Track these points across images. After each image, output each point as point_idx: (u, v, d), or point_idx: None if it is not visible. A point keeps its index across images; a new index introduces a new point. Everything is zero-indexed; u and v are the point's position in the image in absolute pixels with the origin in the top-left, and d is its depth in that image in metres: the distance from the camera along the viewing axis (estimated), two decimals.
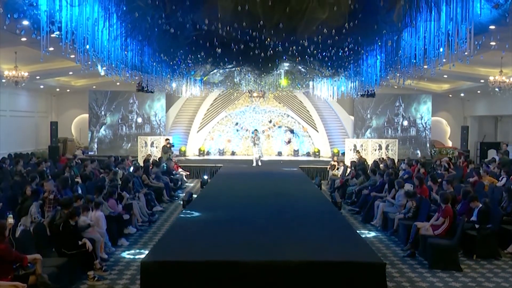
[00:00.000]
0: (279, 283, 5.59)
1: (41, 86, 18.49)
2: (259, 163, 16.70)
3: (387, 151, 17.84)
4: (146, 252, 7.04)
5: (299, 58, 9.92)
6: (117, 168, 12.10)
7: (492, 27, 7.65)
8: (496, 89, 13.42)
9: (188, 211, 9.10)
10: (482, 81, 14.70)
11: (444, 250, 6.92)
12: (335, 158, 16.60)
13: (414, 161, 14.45)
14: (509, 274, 6.70)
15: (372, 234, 8.96)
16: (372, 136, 20.59)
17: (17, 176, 10.78)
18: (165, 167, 14.22)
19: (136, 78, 12.19)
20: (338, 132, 21.49)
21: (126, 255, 7.41)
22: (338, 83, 13.49)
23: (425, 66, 8.16)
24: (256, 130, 17.60)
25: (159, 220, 9.98)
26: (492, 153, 18.12)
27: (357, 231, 8.21)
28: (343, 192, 12.65)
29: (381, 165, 13.75)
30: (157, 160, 14.80)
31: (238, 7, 6.44)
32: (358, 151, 17.17)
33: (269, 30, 7.76)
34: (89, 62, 7.64)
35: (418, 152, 20.53)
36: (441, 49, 6.72)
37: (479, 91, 18.13)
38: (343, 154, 19.20)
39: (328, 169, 16.04)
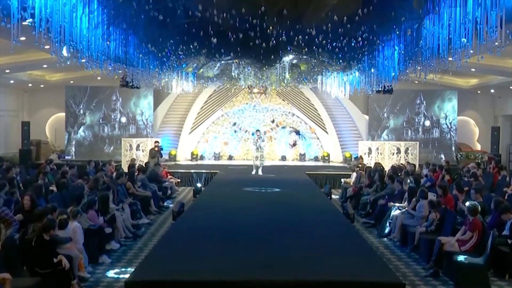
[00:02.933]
0: None
1: (11, 81, 18.51)
2: (260, 172, 16.49)
3: (407, 155, 17.84)
4: (131, 270, 7.03)
5: (306, 49, 9.94)
6: (99, 174, 12.12)
7: None
8: None
9: (179, 224, 9.09)
10: None
11: (472, 269, 6.91)
12: (360, 162, 16.10)
13: (438, 166, 14.44)
14: None
15: (390, 250, 8.95)
16: (390, 138, 20.59)
17: None
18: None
19: (120, 72, 12.22)
20: (351, 134, 21.52)
21: (108, 274, 7.40)
22: (350, 77, 13.50)
23: (450, 58, 8.17)
24: (258, 130, 17.42)
25: (146, 234, 9.98)
26: None
27: (372, 247, 8.20)
28: (356, 202, 12.65)
29: (399, 172, 13.74)
30: (144, 165, 14.79)
31: None
32: (361, 157, 17.05)
33: (271, 18, 7.78)
34: (66, 54, 7.66)
35: (442, 156, 20.54)
36: (464, 39, 6.72)
37: (511, 87, 18.13)
38: (356, 158, 19.20)
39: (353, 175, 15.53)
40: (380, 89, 14.24)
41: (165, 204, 13.26)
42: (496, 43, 6.24)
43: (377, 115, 21.24)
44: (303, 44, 9.18)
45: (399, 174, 12.89)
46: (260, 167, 16.45)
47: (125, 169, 15.09)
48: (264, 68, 12.83)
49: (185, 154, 21.48)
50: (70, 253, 6.76)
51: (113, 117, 21.06)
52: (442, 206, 8.83)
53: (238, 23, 7.83)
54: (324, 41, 8.93)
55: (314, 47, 9.60)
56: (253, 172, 16.42)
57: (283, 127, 21.84)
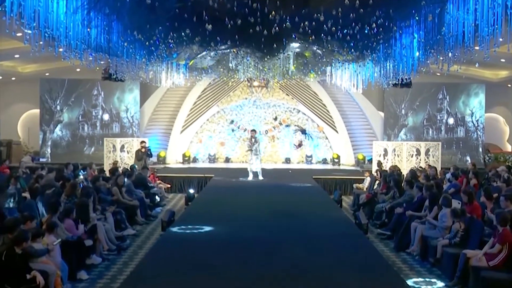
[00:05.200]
0: None
1: None
2: (260, 177, 16.51)
3: (428, 158, 17.83)
4: None
5: (313, 37, 9.94)
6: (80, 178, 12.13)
7: None
8: None
9: (169, 235, 9.09)
10: None
11: (502, 286, 6.91)
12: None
13: (461, 170, 14.44)
14: None
15: (408, 264, 8.95)
16: (408, 138, 20.60)
17: None
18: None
19: (102, 62, 12.21)
20: (364, 133, 21.53)
21: None
22: (363, 69, 13.49)
23: (476, 48, 8.17)
24: (253, 130, 17.39)
25: (132, 246, 9.98)
26: None
27: (389, 261, 8.19)
28: (370, 211, 12.65)
29: (419, 176, 13.74)
30: (129, 169, 14.78)
31: None
32: (379, 162, 16.46)
33: (274, 1, 7.78)
34: (41, 42, 7.66)
35: (468, 158, 20.55)
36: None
37: None
38: (370, 161, 19.18)
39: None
40: (397, 82, 14.24)
41: (153, 212, 13.26)
42: None
43: (393, 111, 21.25)
44: (309, 31, 9.19)
45: (419, 179, 12.89)
46: (258, 171, 16.43)
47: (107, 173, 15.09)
48: (266, 59, 12.84)
49: (176, 156, 21.47)
50: (46, 269, 6.75)
51: (94, 114, 21.06)
52: (468, 215, 8.82)
53: (236, 7, 7.84)
54: (334, 28, 8.94)
55: (322, 34, 9.60)
56: (249, 178, 16.41)
57: (287, 126, 21.84)
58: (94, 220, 9.30)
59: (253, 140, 16.53)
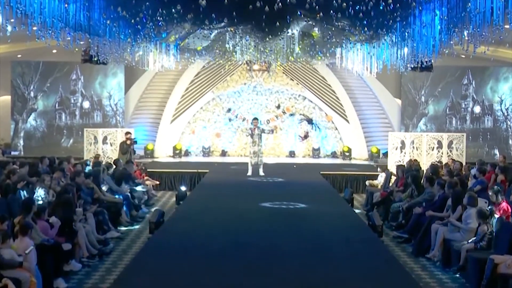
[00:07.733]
0: None
1: None
2: (261, 172, 16.53)
3: (451, 151, 17.84)
4: None
5: (321, 13, 9.92)
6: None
7: None
8: None
9: (158, 239, 9.10)
10: None
11: None
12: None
13: (490, 165, 14.45)
14: None
15: (428, 272, 8.98)
16: (429, 129, 20.59)
17: None
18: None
19: (82, 43, 12.19)
20: (379, 123, 21.53)
21: None
22: (378, 50, 13.47)
23: (507, 26, 8.16)
24: (256, 119, 17.31)
25: (115, 251, 10.00)
26: None
27: (406, 268, 8.21)
28: (385, 211, 12.67)
29: (441, 171, 13.75)
30: (113, 163, 14.78)
31: None
32: (406, 164, 15.43)
33: None
34: (13, 20, 7.65)
35: (496, 152, 20.53)
36: None
37: None
38: (385, 154, 19.16)
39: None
40: (416, 65, 14.22)
41: (139, 212, 13.28)
42: None
43: (412, 99, 21.22)
44: (317, 7, 9.18)
45: (440, 175, 12.89)
46: (260, 165, 16.40)
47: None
48: (267, 39, 12.82)
49: (166, 149, 21.48)
50: (19, 276, 6.77)
51: (72, 101, 21.04)
52: (496, 215, 8.84)
53: None
54: (345, 4, 8.92)
55: (331, 11, 9.59)
56: (249, 173, 16.40)
57: (291, 115, 21.83)
58: (79, 218, 9.30)
59: (256, 130, 16.40)
